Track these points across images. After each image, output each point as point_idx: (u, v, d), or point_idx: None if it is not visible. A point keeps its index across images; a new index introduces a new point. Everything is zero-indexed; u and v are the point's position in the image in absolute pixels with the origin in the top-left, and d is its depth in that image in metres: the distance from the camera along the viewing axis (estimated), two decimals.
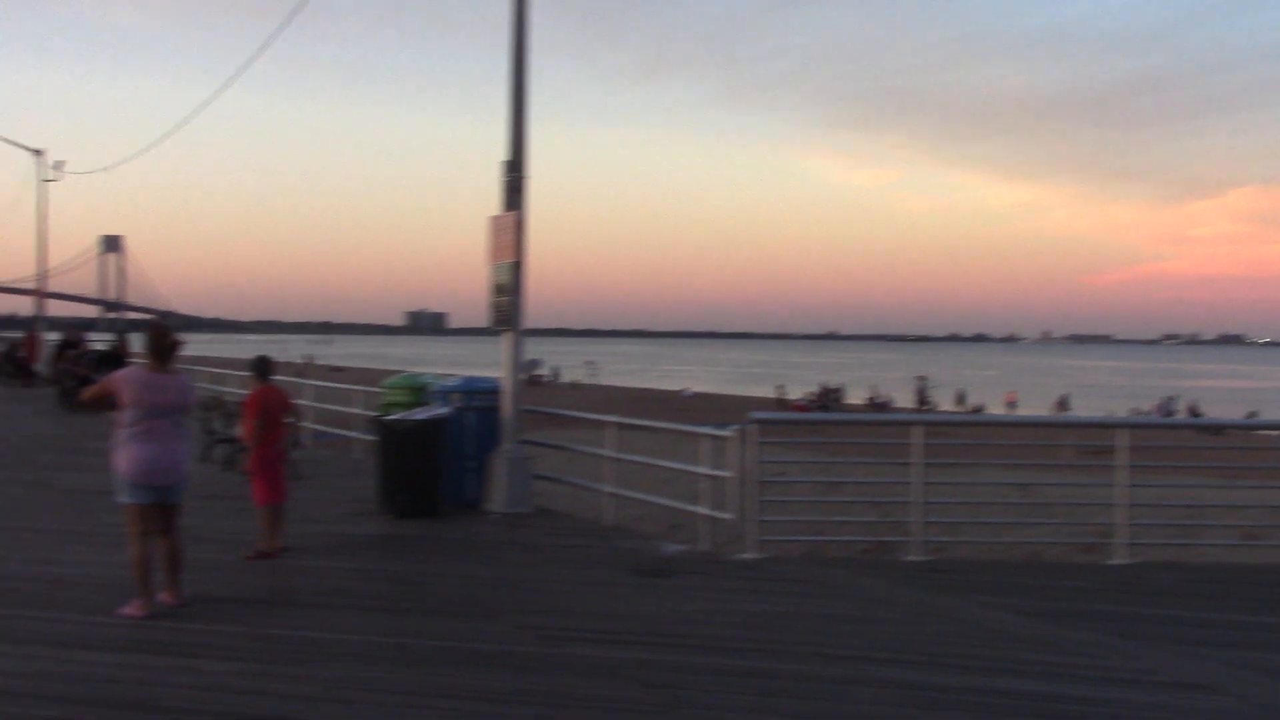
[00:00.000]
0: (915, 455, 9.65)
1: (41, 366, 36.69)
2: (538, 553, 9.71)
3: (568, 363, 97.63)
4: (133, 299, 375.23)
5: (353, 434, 16.59)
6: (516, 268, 11.63)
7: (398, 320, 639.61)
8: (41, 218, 38.37)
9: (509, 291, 11.69)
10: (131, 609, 7.28)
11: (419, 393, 12.48)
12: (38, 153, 37.69)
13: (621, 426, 11.68)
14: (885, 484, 11.47)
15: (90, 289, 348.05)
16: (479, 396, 11.91)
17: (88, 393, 7.90)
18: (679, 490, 12.81)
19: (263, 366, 9.52)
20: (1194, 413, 49.09)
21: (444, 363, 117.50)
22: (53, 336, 39.76)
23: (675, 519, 12.76)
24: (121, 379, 7.49)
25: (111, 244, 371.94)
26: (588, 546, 10.11)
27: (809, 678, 6.21)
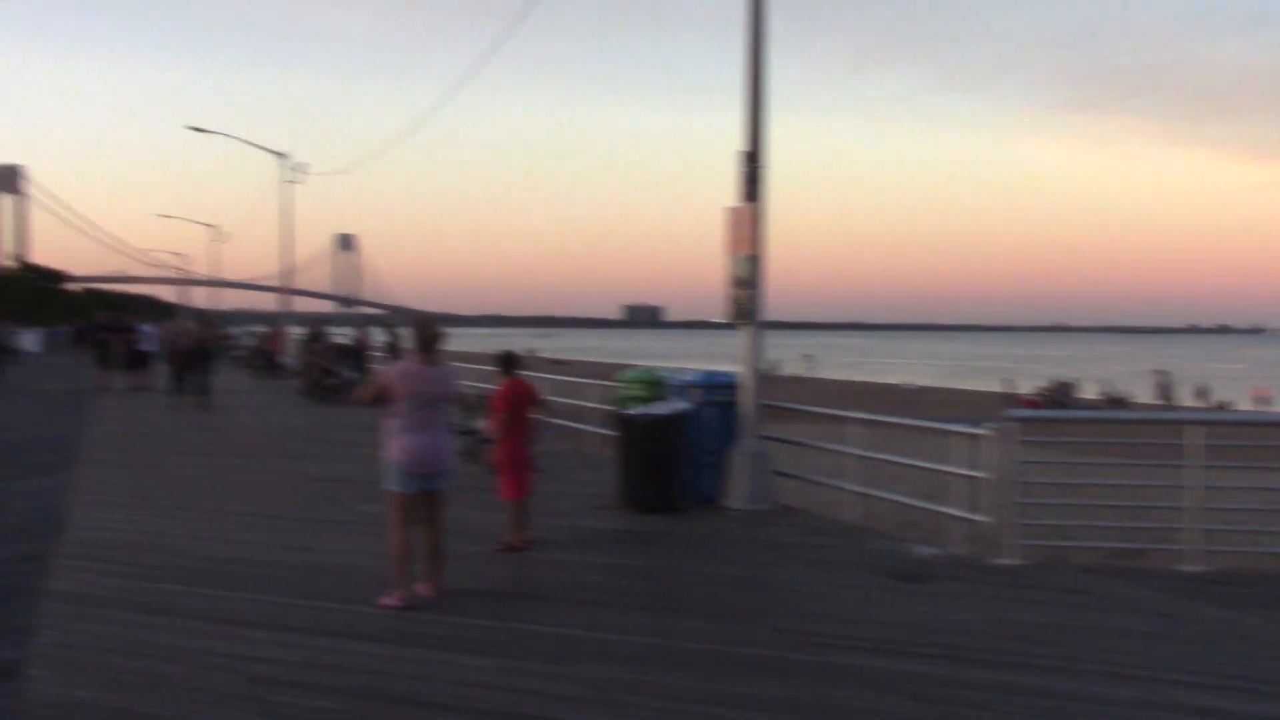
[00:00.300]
0: (1193, 457, 8.95)
1: (287, 359, 38.69)
2: (783, 551, 9.45)
3: (786, 356, 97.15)
4: (366, 295, 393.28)
5: (586, 427, 16.68)
6: (755, 260, 11.42)
7: (615, 314, 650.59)
8: (285, 218, 40.35)
9: (748, 285, 11.48)
10: (391, 599, 7.41)
11: (656, 387, 12.38)
12: (281, 156, 39.65)
13: (865, 423, 11.31)
14: (1151, 487, 10.69)
15: (326, 285, 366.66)
16: (718, 391, 11.75)
17: (366, 391, 8.07)
18: (912, 488, 12.41)
19: (509, 361, 9.57)
20: None
21: (662, 356, 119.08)
22: (296, 331, 41.92)
23: (911, 518, 12.28)
24: (395, 373, 7.69)
25: (345, 242, 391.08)
26: (834, 546, 9.77)
27: (1099, 700, 5.74)
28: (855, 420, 11.31)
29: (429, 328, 7.77)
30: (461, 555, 8.68)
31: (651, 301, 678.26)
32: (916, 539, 10.52)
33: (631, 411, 11.37)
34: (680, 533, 10.17)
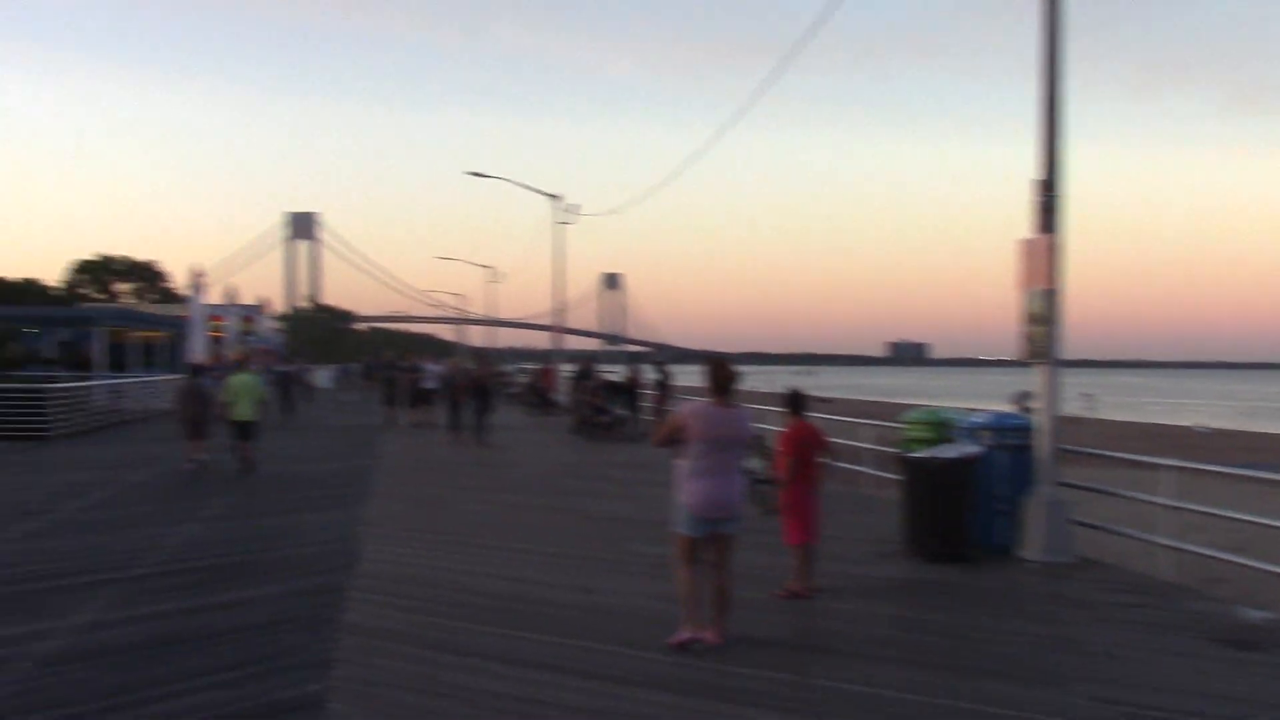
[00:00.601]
0: None
1: (559, 396, 39.63)
2: (1091, 610, 8.69)
3: (1063, 395, 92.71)
4: (630, 332, 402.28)
5: (861, 468, 16.16)
6: (1051, 295, 10.72)
7: (879, 351, 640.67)
8: (558, 258, 41.45)
9: (1043, 321, 10.80)
10: (676, 639, 7.30)
11: (942, 428, 11.81)
12: (555, 198, 40.79)
13: (1179, 470, 10.40)
14: None
15: (593, 323, 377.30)
16: (1010, 434, 11.08)
17: (659, 434, 7.97)
18: (1215, 539, 11.38)
19: (796, 401, 9.24)
20: None
21: (929, 394, 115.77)
22: (567, 368, 42.94)
23: (1216, 573, 11.21)
24: (689, 414, 7.55)
25: (612, 281, 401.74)
26: (1147, 605, 8.91)
27: None
28: (1167, 466, 10.41)
29: (724, 369, 7.60)
30: (744, 601, 8.37)
31: (917, 339, 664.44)
32: (1241, 599, 9.54)
33: (918, 454, 10.84)
34: (973, 585, 9.54)
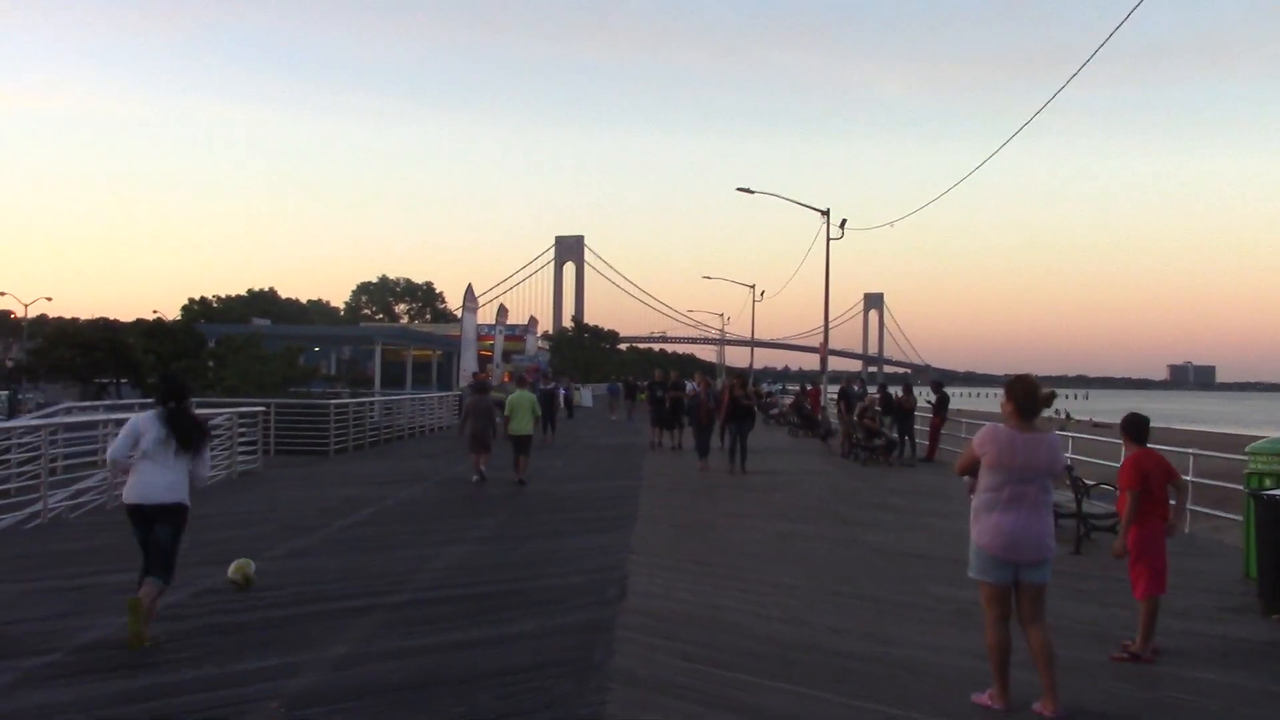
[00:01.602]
0: None
1: (825, 417, 38.33)
2: None
3: None
4: (890, 354, 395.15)
5: (1192, 507, 14.35)
6: None
7: (1159, 374, 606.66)
8: (827, 274, 40.22)
9: None
10: (984, 698, 6.35)
11: None
12: (824, 213, 39.58)
13: None
14: None
15: (852, 343, 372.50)
16: None
17: (960, 463, 6.90)
18: None
19: (1137, 428, 7.87)
20: None
21: (1219, 420, 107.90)
22: (832, 388, 41.57)
23: None
24: (987, 438, 6.44)
25: (874, 301, 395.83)
26: None
27: None
28: None
29: (1029, 387, 6.46)
30: (1071, 663, 7.11)
31: (1201, 361, 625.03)
32: None
33: (1276, 492, 9.19)
34: None
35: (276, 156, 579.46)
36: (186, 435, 7.94)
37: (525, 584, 9.79)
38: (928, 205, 36.71)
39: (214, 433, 19.15)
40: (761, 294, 75.15)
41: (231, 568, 9.46)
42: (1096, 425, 79.70)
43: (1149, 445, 7.89)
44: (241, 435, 20.36)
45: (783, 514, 15.28)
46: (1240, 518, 11.38)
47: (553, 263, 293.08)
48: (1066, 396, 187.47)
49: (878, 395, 26.82)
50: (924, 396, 27.77)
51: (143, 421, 7.99)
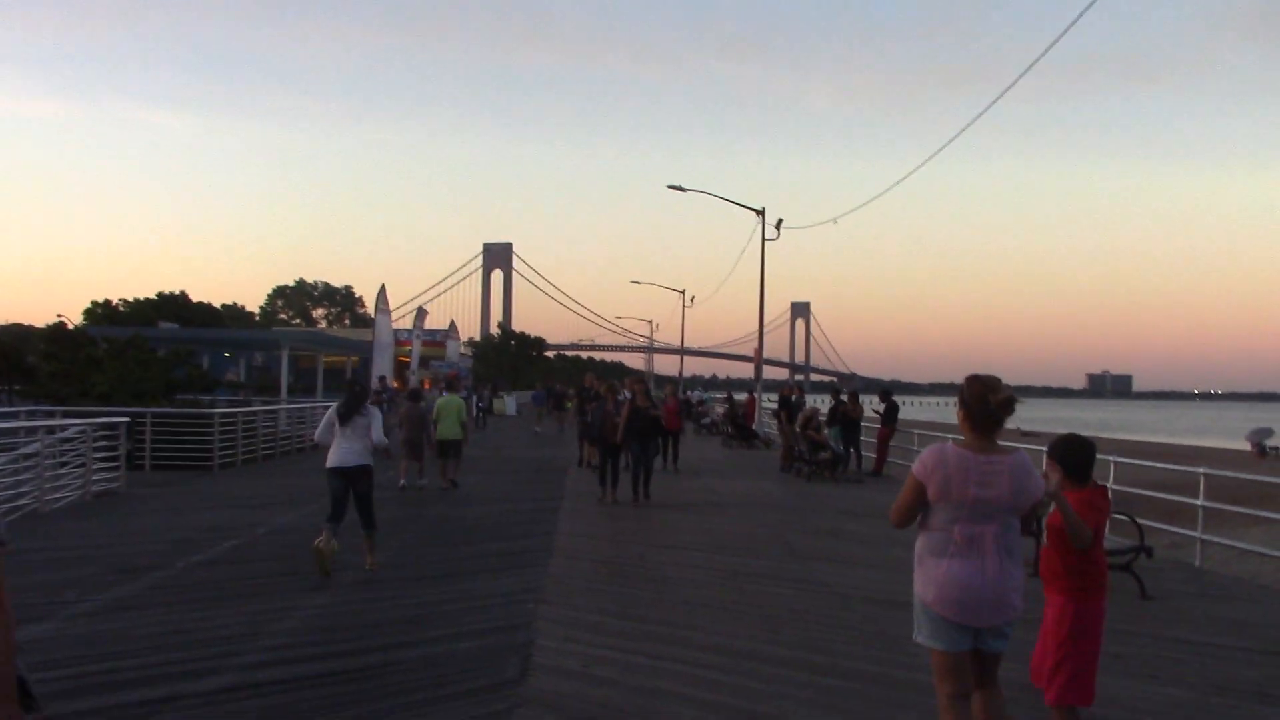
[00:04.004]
0: None
1: (762, 427, 36.24)
2: None
3: None
4: (816, 362, 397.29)
5: (1150, 523, 12.39)
6: None
7: (1078, 383, 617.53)
8: (762, 275, 38.16)
9: None
10: None
11: None
12: (759, 212, 37.51)
13: None
14: None
15: (778, 352, 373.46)
16: None
17: (898, 507, 4.87)
18: None
19: (1081, 457, 5.41)
20: None
21: (1143, 429, 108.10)
22: (769, 397, 39.51)
23: None
24: (930, 463, 4.74)
25: (800, 310, 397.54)
26: None
27: None
28: None
29: (981, 389, 4.77)
30: None
31: (1119, 370, 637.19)
32: None
33: None
34: None
35: (194, 160, 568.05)
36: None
37: (397, 653, 7.36)
38: (868, 203, 35.09)
39: (64, 447, 16.55)
40: (692, 299, 73.04)
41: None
42: (1025, 434, 78.73)
43: (1095, 482, 5.46)
44: (100, 449, 17.61)
45: (726, 545, 12.95)
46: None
47: (480, 269, 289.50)
48: None
49: (829, 404, 24.57)
50: (870, 405, 25.72)
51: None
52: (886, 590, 10.12)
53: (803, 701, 6.41)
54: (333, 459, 10.87)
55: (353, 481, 10.82)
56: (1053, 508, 5.16)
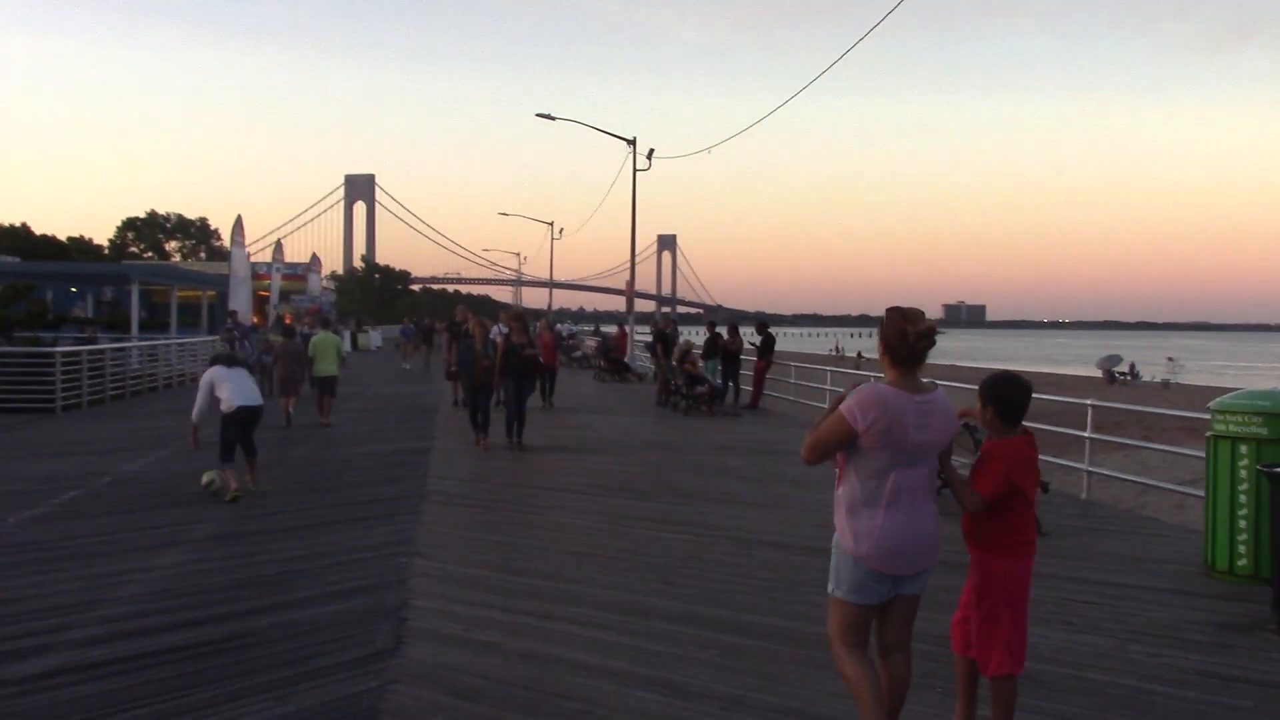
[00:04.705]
0: None
1: (634, 360, 35.81)
2: None
3: (1143, 359, 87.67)
4: (683, 294, 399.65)
5: (1083, 467, 12.24)
6: None
7: (934, 313, 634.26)
8: (634, 207, 37.47)
9: None
10: None
11: None
12: (631, 142, 36.74)
13: None
14: None
15: (645, 285, 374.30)
16: None
17: (816, 440, 4.37)
18: None
19: (1012, 402, 4.72)
20: None
21: (995, 357, 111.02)
22: (641, 330, 39.07)
23: None
24: (869, 403, 4.22)
25: (667, 243, 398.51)
26: None
27: None
28: None
29: (908, 321, 4.29)
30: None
31: (974, 300, 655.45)
32: None
33: None
34: None
35: (38, 85, 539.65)
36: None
37: (256, 621, 6.62)
38: (743, 133, 34.24)
39: None
40: (560, 232, 71.64)
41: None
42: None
43: (1022, 427, 4.96)
44: None
45: (609, 486, 12.39)
46: (1200, 493, 9.15)
47: (342, 202, 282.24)
48: (852, 335, 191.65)
49: (705, 337, 24.10)
50: (747, 339, 25.41)
51: None
52: (781, 532, 9.70)
53: (707, 664, 5.87)
54: (240, 399, 11.25)
55: (256, 418, 11.55)
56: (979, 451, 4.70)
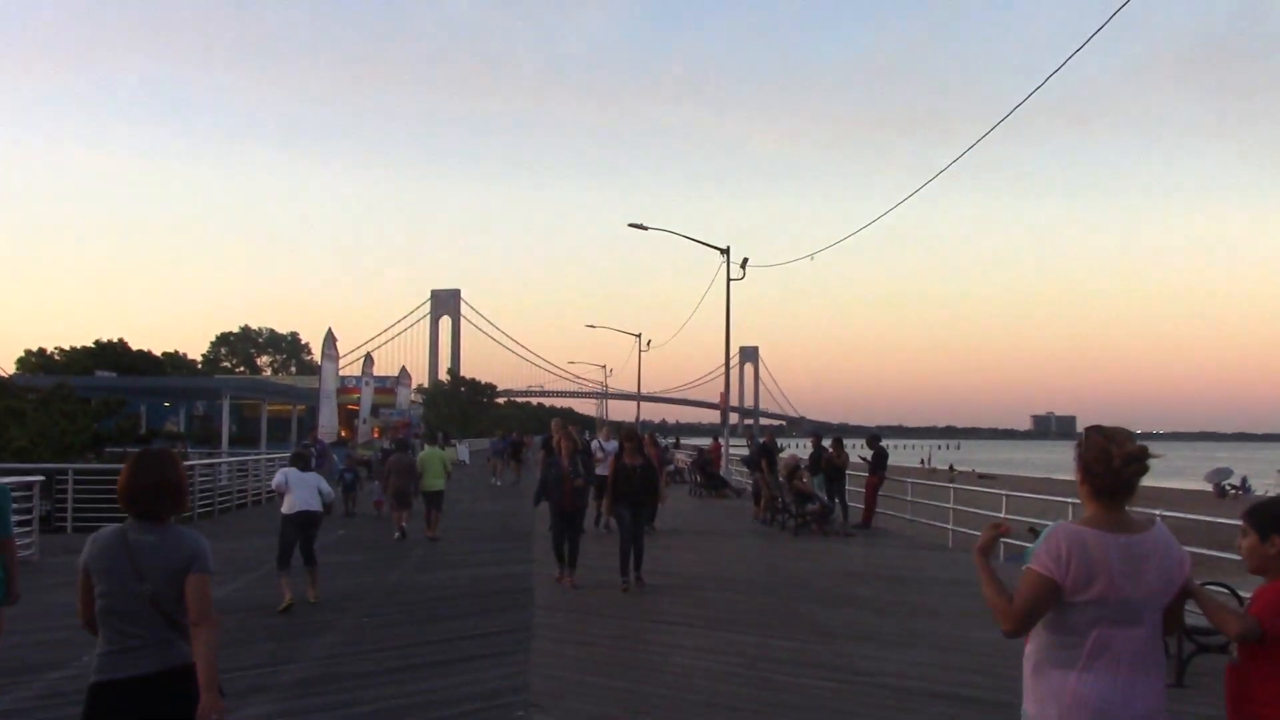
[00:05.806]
0: None
1: (729, 474, 34.66)
2: None
3: (1249, 470, 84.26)
4: (765, 406, 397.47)
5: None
6: None
7: (1023, 424, 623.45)
8: (728, 316, 36.72)
9: None
10: None
11: None
12: (724, 251, 36.13)
13: None
14: None
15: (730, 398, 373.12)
16: None
17: (1016, 610, 3.41)
18: None
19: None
20: None
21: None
22: (737, 444, 37.95)
23: None
24: (1066, 549, 3.33)
25: (749, 355, 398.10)
26: None
27: None
28: None
29: (1112, 442, 3.43)
30: None
31: (1063, 412, 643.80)
32: None
33: None
34: None
35: (137, 206, 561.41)
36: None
37: None
38: (840, 242, 33.46)
39: None
40: (648, 343, 71.17)
41: None
42: (981, 476, 77.81)
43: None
44: (14, 512, 15.58)
45: (735, 620, 11.20)
46: None
47: (428, 317, 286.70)
48: (940, 447, 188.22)
49: (810, 451, 22.94)
50: (855, 452, 24.19)
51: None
52: (943, 680, 8.48)
53: None
54: (300, 503, 12.03)
55: (313, 524, 12.16)
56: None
